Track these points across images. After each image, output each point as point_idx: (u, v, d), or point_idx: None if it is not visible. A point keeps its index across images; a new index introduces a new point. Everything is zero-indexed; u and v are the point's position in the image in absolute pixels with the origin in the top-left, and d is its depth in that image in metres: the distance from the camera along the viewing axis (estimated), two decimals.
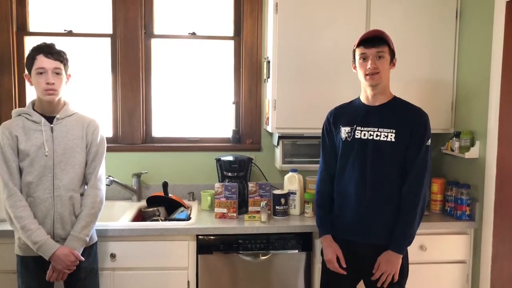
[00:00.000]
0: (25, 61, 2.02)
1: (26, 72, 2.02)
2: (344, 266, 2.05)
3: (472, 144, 2.48)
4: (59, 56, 2.00)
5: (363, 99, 2.07)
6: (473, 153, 2.45)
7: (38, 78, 1.96)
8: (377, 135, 1.97)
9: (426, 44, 2.60)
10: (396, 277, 1.96)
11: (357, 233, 2.02)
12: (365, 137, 1.99)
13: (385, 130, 1.96)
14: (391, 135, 1.95)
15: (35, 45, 2.01)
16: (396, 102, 2.03)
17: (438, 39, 2.62)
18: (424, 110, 2.03)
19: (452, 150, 2.56)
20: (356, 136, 2.01)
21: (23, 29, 2.88)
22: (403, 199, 1.96)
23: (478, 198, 2.46)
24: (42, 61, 1.95)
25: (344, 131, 2.05)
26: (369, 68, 1.93)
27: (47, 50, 1.97)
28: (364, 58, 1.96)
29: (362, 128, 2.01)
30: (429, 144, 1.98)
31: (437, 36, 2.62)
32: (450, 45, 2.63)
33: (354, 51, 2.02)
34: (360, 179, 2.00)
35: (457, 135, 2.55)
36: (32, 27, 2.90)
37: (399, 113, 1.98)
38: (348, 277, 2.07)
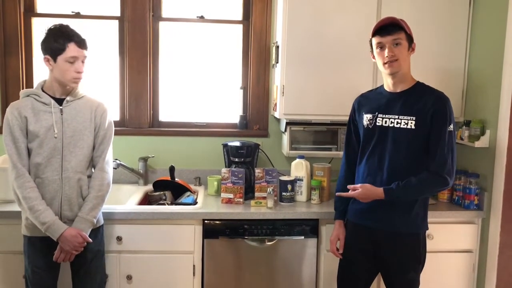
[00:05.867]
0: (47, 44, 1.96)
1: (47, 55, 1.97)
2: (341, 251, 2.13)
3: (482, 133, 2.45)
4: (86, 45, 2.02)
5: (385, 86, 2.06)
6: (483, 142, 2.43)
7: (67, 66, 1.97)
8: (397, 123, 1.95)
9: (438, 31, 2.56)
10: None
11: (371, 219, 2.02)
12: (386, 124, 1.98)
13: (405, 117, 1.94)
14: (411, 123, 1.92)
15: (56, 28, 1.98)
16: (417, 88, 1.99)
17: (450, 26, 2.57)
18: None
19: (462, 139, 2.53)
20: (377, 124, 2.00)
21: (30, 11, 2.86)
22: (428, 173, 1.92)
23: (487, 187, 2.44)
24: (74, 50, 1.97)
25: (366, 118, 2.05)
26: (387, 56, 1.91)
27: (78, 39, 1.99)
28: (381, 47, 1.94)
29: (384, 115, 1.99)
30: (452, 129, 1.91)
31: (449, 23, 2.57)
32: (462, 32, 2.59)
33: (370, 41, 2.00)
34: (378, 166, 1.99)
35: (467, 124, 2.52)
36: (39, 9, 2.88)
37: (420, 100, 1.94)
38: (365, 264, 2.08)
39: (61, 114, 2.02)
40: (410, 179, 1.91)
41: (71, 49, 1.96)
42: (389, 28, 1.91)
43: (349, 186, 2.02)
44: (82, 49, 2.00)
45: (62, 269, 2.14)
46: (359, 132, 2.12)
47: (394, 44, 1.91)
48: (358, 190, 1.97)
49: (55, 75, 1.99)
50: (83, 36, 2.02)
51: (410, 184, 1.91)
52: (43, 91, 2.03)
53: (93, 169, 2.11)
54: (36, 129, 1.97)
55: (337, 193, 2.10)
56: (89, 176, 2.09)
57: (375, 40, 1.96)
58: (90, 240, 2.02)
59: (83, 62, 2.02)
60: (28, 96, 2.03)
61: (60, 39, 1.95)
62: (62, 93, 2.04)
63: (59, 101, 2.03)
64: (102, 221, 2.18)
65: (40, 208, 1.94)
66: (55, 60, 1.96)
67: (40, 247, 2.03)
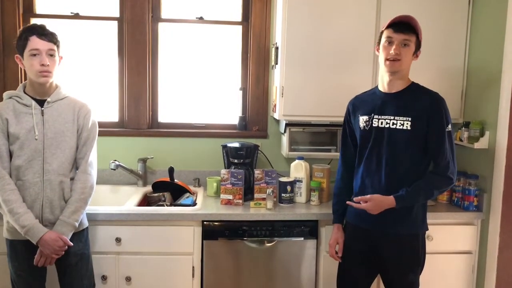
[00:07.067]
0: (15, 42, 1.96)
1: (17, 54, 1.97)
2: (340, 255, 2.12)
3: (482, 135, 2.45)
4: (52, 38, 1.97)
5: (380, 87, 2.04)
6: (482, 143, 2.43)
7: (31, 60, 1.92)
8: (393, 123, 1.95)
9: (437, 30, 2.55)
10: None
11: (372, 221, 2.00)
12: (382, 126, 1.97)
13: (401, 118, 1.93)
14: (407, 123, 1.92)
15: (24, 27, 1.97)
16: (412, 89, 1.99)
17: (449, 26, 2.57)
18: None
19: (461, 140, 2.53)
20: (373, 125, 1.99)
21: (29, 11, 2.85)
22: (434, 174, 1.95)
23: (486, 189, 2.44)
24: (36, 42, 1.92)
25: (362, 120, 2.03)
26: (392, 53, 1.89)
27: (40, 31, 1.94)
28: (389, 42, 1.91)
29: (380, 116, 1.98)
30: (450, 129, 1.94)
31: (448, 23, 2.57)
32: (462, 31, 2.59)
33: (381, 32, 1.97)
34: (376, 167, 1.99)
35: (466, 125, 2.52)
36: (38, 9, 2.87)
37: (415, 100, 1.94)
38: (365, 266, 2.08)
39: (42, 116, 1.99)
40: (417, 183, 1.92)
41: (33, 41, 1.91)
42: (403, 26, 1.89)
43: (356, 198, 1.97)
44: (45, 41, 1.93)
45: (51, 271, 2.12)
46: (355, 134, 2.11)
47: (403, 44, 1.90)
48: (369, 203, 1.92)
49: (27, 73, 1.98)
50: (50, 30, 1.97)
51: (418, 188, 1.92)
52: (25, 92, 2.01)
53: (76, 171, 2.07)
54: (16, 131, 1.94)
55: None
56: (72, 179, 2.05)
57: (386, 33, 1.93)
58: (71, 243, 1.98)
59: (51, 55, 1.95)
60: (10, 98, 2.00)
61: (23, 35, 1.93)
62: (42, 94, 2.01)
63: (42, 102, 2.00)
64: (86, 224, 2.14)
65: (20, 211, 1.90)
66: (22, 57, 1.95)
67: (22, 251, 2.00)
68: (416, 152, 1.95)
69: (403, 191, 1.91)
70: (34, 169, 1.96)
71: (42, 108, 1.99)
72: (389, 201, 1.91)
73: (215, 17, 2.94)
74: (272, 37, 2.88)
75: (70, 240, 1.99)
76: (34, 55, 1.92)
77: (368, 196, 1.94)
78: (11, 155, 1.97)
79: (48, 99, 2.01)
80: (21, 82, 2.82)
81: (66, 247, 1.97)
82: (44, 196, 1.97)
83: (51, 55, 1.96)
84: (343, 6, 2.51)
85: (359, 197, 1.96)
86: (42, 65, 1.92)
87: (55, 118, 2.01)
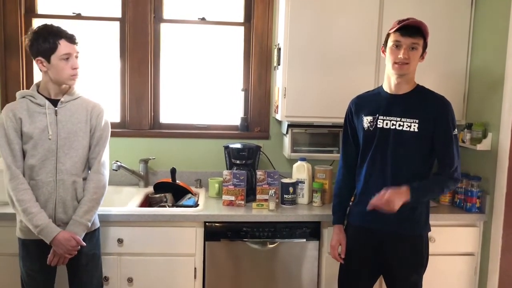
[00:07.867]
0: (37, 46, 1.92)
1: (39, 57, 1.93)
2: (343, 256, 2.10)
3: (484, 136, 2.45)
4: (76, 40, 1.99)
5: (386, 88, 2.03)
6: (485, 145, 2.43)
7: (63, 64, 1.94)
8: (399, 125, 1.94)
9: (440, 32, 2.54)
10: (391, 206, 1.85)
11: (376, 221, 1.98)
12: (387, 127, 1.97)
13: (408, 120, 1.93)
14: (414, 125, 1.92)
15: (41, 28, 1.95)
16: (419, 91, 2.00)
17: (452, 27, 2.57)
18: None
19: (464, 142, 2.53)
20: (378, 126, 1.98)
21: (31, 11, 2.85)
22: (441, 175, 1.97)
23: (489, 190, 2.44)
24: (67, 46, 1.94)
25: (366, 120, 2.02)
26: (400, 57, 1.88)
27: (67, 35, 1.95)
28: (397, 45, 1.90)
29: (385, 117, 1.98)
30: (456, 133, 1.96)
31: (451, 24, 2.57)
32: (464, 34, 2.59)
33: (388, 35, 1.96)
34: (381, 168, 1.98)
35: (469, 126, 2.52)
36: (40, 9, 2.87)
37: (422, 103, 1.95)
38: (368, 267, 2.07)
39: (56, 116, 1.99)
40: (426, 179, 1.95)
41: (63, 46, 1.93)
42: (412, 30, 1.88)
43: (373, 201, 1.86)
44: (73, 44, 1.97)
45: (60, 272, 2.12)
46: (358, 134, 2.10)
47: (411, 47, 1.89)
48: (387, 196, 1.82)
49: (51, 75, 1.96)
50: (71, 32, 1.98)
51: (429, 184, 1.95)
52: (38, 92, 2.01)
53: (89, 171, 2.08)
54: (30, 130, 1.95)
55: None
56: (85, 179, 2.05)
57: (393, 37, 1.90)
58: (84, 243, 1.99)
59: (76, 57, 1.99)
60: (23, 97, 2.00)
61: (50, 38, 1.92)
62: (57, 93, 2.01)
63: (55, 102, 2.01)
64: (98, 224, 2.14)
65: (33, 210, 1.91)
66: (49, 60, 1.93)
67: (34, 250, 2.00)
68: (421, 154, 1.96)
69: (416, 184, 1.89)
70: (47, 169, 1.96)
71: (56, 108, 2.00)
72: (403, 191, 1.84)
73: (217, 18, 2.94)
74: (274, 38, 2.87)
75: (82, 240, 1.99)
76: (66, 59, 1.94)
77: (382, 192, 1.85)
78: (24, 155, 1.97)
79: (62, 99, 2.01)
80: (23, 82, 2.82)
81: (79, 247, 1.98)
82: (57, 196, 1.98)
83: (76, 57, 1.99)
84: (345, 7, 2.51)
85: (375, 199, 1.86)
86: (74, 68, 1.96)
87: (68, 118, 2.01)
